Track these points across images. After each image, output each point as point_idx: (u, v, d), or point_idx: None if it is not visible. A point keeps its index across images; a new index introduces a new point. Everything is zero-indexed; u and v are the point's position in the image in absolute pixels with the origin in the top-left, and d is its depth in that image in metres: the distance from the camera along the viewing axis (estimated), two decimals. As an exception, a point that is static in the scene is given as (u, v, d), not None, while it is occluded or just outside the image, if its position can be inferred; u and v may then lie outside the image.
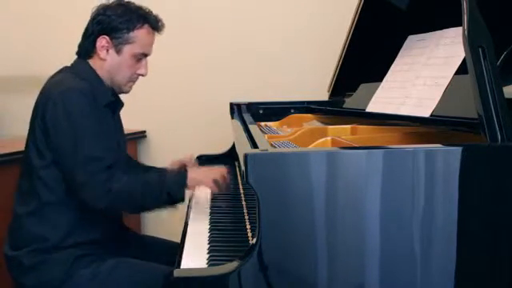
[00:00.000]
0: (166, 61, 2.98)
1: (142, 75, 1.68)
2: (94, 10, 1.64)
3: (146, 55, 1.67)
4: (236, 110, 2.28)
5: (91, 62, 1.64)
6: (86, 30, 1.64)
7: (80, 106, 1.50)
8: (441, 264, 1.11)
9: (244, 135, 1.56)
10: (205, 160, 2.26)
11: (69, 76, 1.60)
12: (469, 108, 1.19)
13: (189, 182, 1.55)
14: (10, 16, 3.12)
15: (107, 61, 1.62)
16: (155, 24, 1.66)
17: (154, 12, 1.69)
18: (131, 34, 1.61)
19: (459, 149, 1.11)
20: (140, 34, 1.62)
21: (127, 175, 1.53)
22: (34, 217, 1.55)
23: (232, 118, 2.18)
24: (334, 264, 1.10)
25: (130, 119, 3.00)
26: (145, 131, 3.08)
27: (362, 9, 1.97)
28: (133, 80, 1.68)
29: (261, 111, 2.28)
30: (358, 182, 1.10)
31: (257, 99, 2.33)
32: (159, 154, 3.08)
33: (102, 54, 1.61)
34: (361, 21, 2.00)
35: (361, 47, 2.04)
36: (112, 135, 1.66)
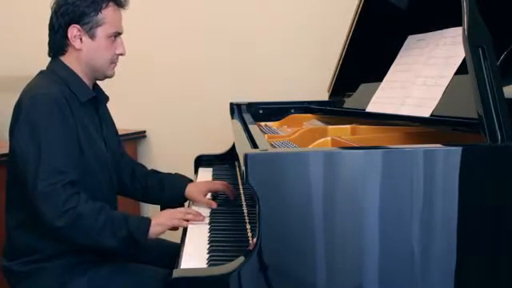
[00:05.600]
0: (166, 61, 2.98)
1: (122, 54, 1.63)
2: (52, 4, 1.58)
3: (119, 33, 1.62)
4: (236, 109, 2.27)
5: (66, 58, 1.58)
6: (52, 25, 1.57)
7: (46, 115, 1.44)
8: (440, 264, 1.11)
9: (244, 135, 1.56)
10: (205, 160, 2.26)
11: (42, 80, 1.56)
12: (469, 108, 1.19)
13: (152, 228, 1.49)
14: (10, 16, 3.13)
15: (83, 50, 1.56)
16: (119, 0, 1.61)
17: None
18: (100, 16, 1.55)
19: (459, 149, 1.11)
20: (108, 13, 1.57)
21: (94, 202, 1.45)
22: (24, 229, 1.52)
23: (232, 118, 2.18)
24: (334, 263, 1.10)
25: (130, 119, 3.03)
26: (145, 131, 3.08)
27: (362, 9, 1.97)
28: (114, 62, 1.63)
29: (261, 111, 2.28)
30: (358, 182, 1.10)
31: (257, 99, 2.33)
32: (159, 153, 3.08)
33: (77, 43, 1.55)
34: (361, 21, 1.99)
35: (361, 47, 2.04)
36: (95, 139, 1.59)
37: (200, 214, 1.57)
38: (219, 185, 1.81)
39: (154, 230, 1.49)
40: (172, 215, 1.55)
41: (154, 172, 1.90)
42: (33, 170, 1.40)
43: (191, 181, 1.87)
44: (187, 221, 1.54)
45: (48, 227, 1.40)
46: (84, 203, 1.41)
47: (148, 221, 1.49)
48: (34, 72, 1.63)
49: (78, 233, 1.41)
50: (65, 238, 1.44)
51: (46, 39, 1.61)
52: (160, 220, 1.52)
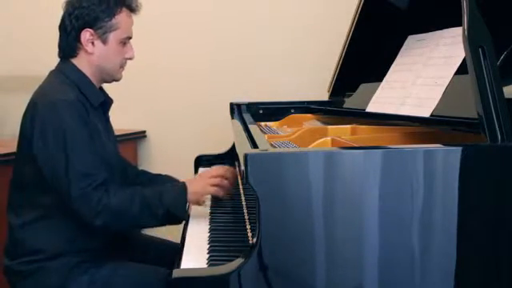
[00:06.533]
0: (167, 61, 2.99)
1: (130, 59, 1.64)
2: (64, 6, 1.58)
3: (129, 38, 1.63)
4: (236, 109, 2.28)
5: (76, 61, 1.58)
6: (64, 28, 1.57)
7: (68, 121, 1.45)
8: (440, 264, 1.11)
9: (244, 135, 1.56)
10: (205, 160, 2.26)
11: (55, 83, 1.55)
12: (469, 108, 1.19)
13: (190, 196, 1.52)
14: (11, 16, 3.12)
15: (94, 54, 1.57)
16: (132, 6, 1.62)
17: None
18: (113, 21, 1.56)
19: (459, 149, 1.11)
20: (121, 18, 1.58)
21: (123, 190, 1.49)
22: (30, 229, 1.52)
23: (232, 118, 2.18)
24: (334, 263, 1.10)
25: (130, 119, 3.04)
26: (145, 131, 3.08)
27: (361, 9, 1.97)
28: (123, 66, 1.64)
29: (261, 111, 2.28)
30: (358, 182, 1.10)
31: (257, 99, 2.33)
32: (159, 154, 3.09)
33: (89, 47, 1.56)
34: (361, 21, 2.00)
35: (361, 47, 2.04)
36: (104, 143, 1.60)
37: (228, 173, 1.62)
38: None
39: (192, 199, 1.54)
40: (208, 182, 1.57)
41: (144, 172, 1.95)
42: (64, 176, 1.43)
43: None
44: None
45: (90, 227, 1.46)
46: (114, 197, 1.45)
47: (183, 192, 1.52)
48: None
49: (118, 224, 1.49)
50: (109, 231, 1.53)
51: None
52: (196, 188, 1.55)
